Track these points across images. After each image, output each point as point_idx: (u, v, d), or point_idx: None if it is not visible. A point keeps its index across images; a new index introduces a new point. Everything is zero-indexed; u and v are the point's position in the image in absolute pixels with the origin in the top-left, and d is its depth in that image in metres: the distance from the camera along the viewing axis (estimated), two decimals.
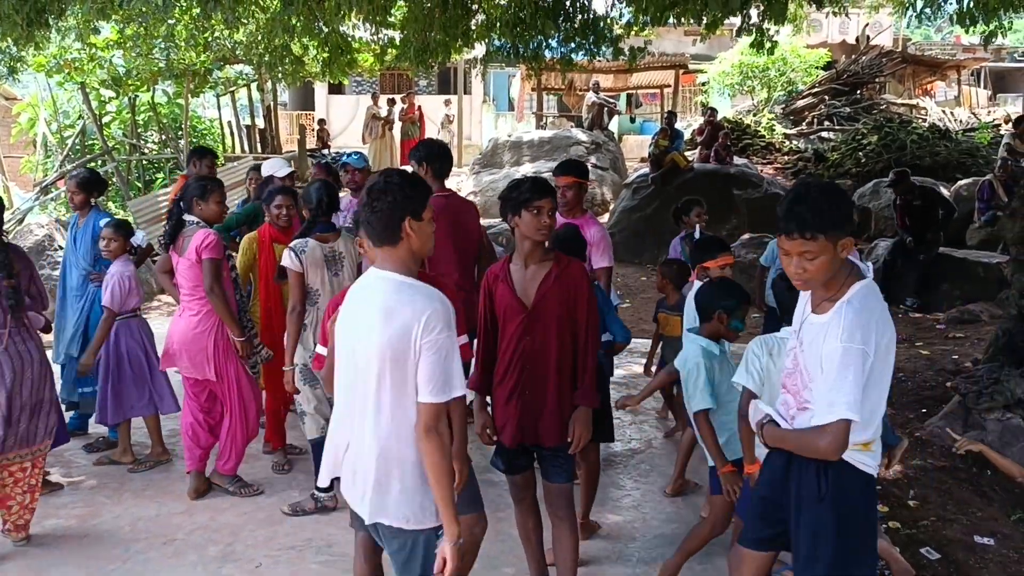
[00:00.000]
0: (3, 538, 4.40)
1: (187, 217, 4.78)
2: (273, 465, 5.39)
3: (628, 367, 7.56)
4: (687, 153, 15.06)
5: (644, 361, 7.72)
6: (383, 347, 2.52)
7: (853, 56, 21.17)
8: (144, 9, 5.83)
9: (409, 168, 5.31)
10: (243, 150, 19.35)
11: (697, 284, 4.68)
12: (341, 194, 5.45)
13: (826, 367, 2.59)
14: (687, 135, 16.46)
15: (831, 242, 2.57)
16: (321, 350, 3.23)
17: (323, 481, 2.88)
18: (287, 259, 4.60)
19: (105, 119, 17.78)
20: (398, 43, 11.16)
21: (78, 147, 17.43)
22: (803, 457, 2.73)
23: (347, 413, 2.71)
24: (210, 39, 14.50)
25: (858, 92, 19.70)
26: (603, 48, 9.33)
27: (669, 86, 22.31)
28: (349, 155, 6.21)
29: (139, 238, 5.32)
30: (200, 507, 4.85)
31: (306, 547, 4.37)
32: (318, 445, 4.70)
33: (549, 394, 3.46)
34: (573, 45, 9.49)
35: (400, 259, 2.63)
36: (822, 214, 2.57)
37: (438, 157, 5.09)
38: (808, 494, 2.74)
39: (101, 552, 4.34)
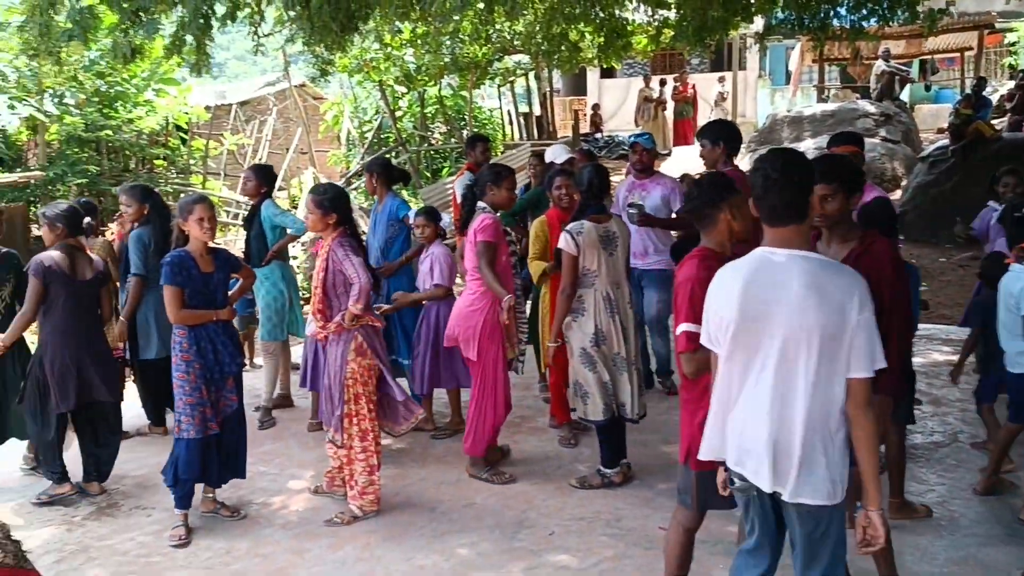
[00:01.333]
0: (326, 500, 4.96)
1: (480, 204, 5.05)
2: (560, 439, 5.60)
3: (927, 354, 7.03)
4: (994, 122, 13.64)
5: (945, 348, 7.17)
6: (815, 325, 2.53)
7: None
8: (448, 6, 6.19)
9: (699, 146, 5.37)
10: (521, 137, 20.11)
11: (1016, 268, 4.27)
12: (616, 178, 5.59)
13: None
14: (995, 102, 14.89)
15: None
16: (690, 327, 3.12)
17: (704, 455, 2.90)
18: (563, 241, 4.73)
19: (397, 113, 19.21)
20: (674, 22, 11.07)
21: (375, 141, 18.99)
22: None
23: (759, 393, 2.67)
24: (491, 32, 15.19)
25: None
26: (898, 12, 8.69)
27: (971, 49, 20.27)
28: (639, 135, 6.26)
29: (446, 222, 5.67)
30: None
31: (595, 519, 4.51)
32: (602, 427, 4.83)
33: None
34: (864, 11, 8.91)
35: (804, 236, 2.66)
36: None
37: (732, 137, 5.23)
38: None
39: (411, 510, 4.76)
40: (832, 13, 9.05)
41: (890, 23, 9.42)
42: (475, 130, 18.89)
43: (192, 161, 17.36)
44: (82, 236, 5.24)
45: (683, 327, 3.15)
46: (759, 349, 2.64)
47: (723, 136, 5.29)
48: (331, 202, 4.52)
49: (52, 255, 4.87)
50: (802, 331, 2.54)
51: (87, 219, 5.42)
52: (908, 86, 19.38)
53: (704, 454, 2.89)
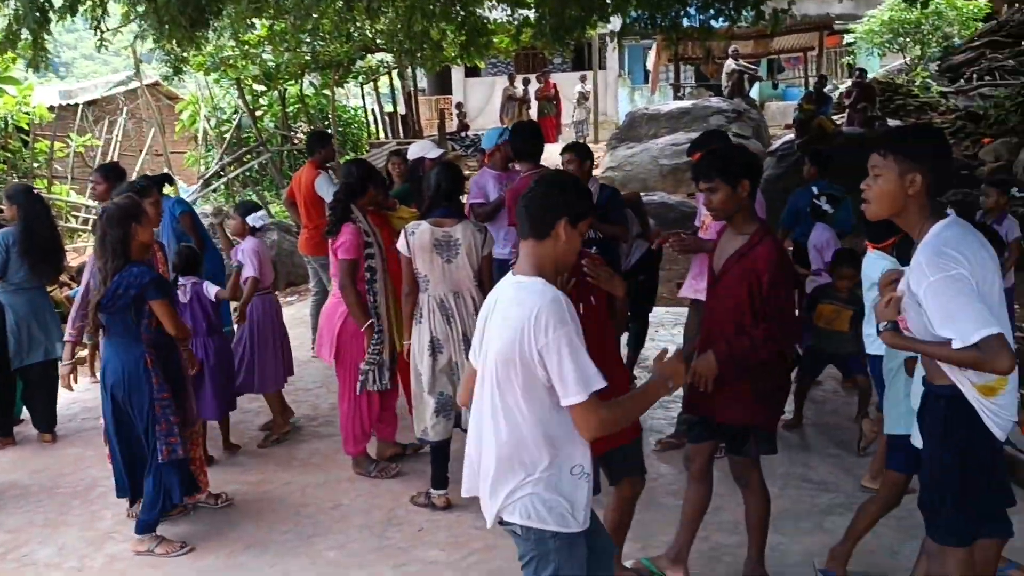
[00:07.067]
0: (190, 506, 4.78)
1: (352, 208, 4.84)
2: None
3: None
4: (835, 117, 14.47)
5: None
6: (500, 351, 2.47)
7: (1017, 5, 19.68)
8: (304, 3, 6.10)
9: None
10: (386, 136, 19.95)
11: (872, 254, 4.44)
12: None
13: (931, 312, 2.55)
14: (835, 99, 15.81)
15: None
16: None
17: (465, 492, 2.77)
18: (400, 241, 4.51)
19: (258, 112, 18.69)
20: (533, 21, 11.23)
21: (234, 140, 18.42)
22: None
23: (478, 420, 2.64)
24: (352, 30, 14.97)
25: (1023, 43, 18.33)
26: (744, 13, 9.09)
27: (813, 49, 21.47)
28: (503, 132, 6.25)
29: (254, 218, 5.57)
30: (363, 476, 5.08)
31: (464, 511, 4.52)
32: (431, 445, 4.67)
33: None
34: (712, 12, 9.29)
35: (535, 254, 2.56)
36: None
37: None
38: None
39: (275, 515, 4.65)
40: (682, 13, 9.38)
41: (737, 23, 9.85)
42: (339, 130, 18.63)
43: (36, 164, 16.37)
44: None
45: None
46: (480, 376, 2.62)
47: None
48: None
49: None
50: (493, 357, 2.50)
51: None
52: (757, 84, 20.33)
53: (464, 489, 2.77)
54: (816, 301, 5.39)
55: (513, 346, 2.42)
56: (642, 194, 9.84)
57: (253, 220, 5.53)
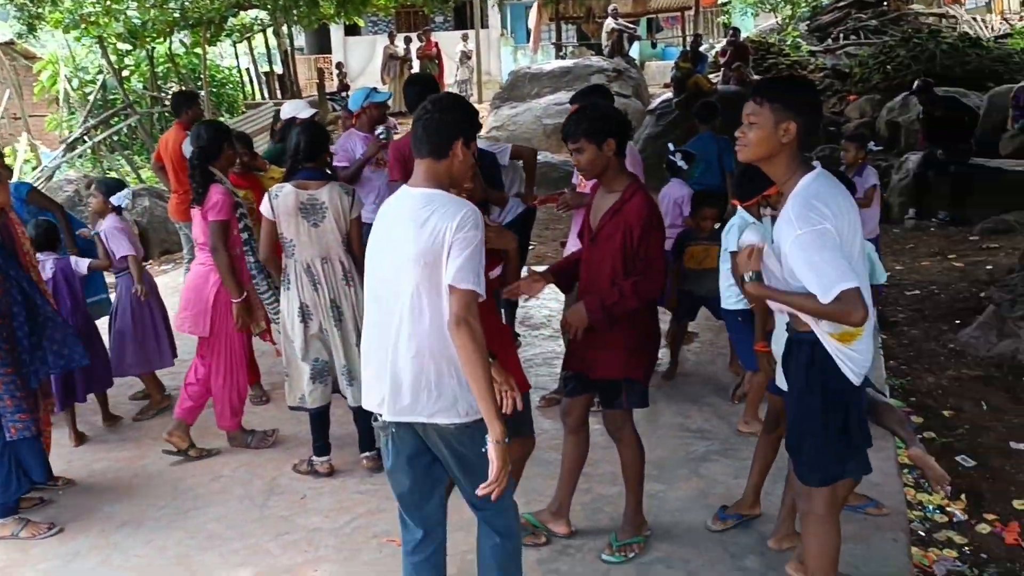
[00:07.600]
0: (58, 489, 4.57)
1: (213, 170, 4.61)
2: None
3: None
4: (711, 76, 14.80)
5: None
6: (418, 255, 2.59)
7: None
8: None
9: None
10: (263, 97, 19.31)
11: (742, 211, 4.55)
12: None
13: (795, 264, 2.63)
14: (710, 57, 16.16)
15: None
16: None
17: (367, 403, 2.85)
18: (263, 205, 4.31)
19: (124, 72, 17.76)
20: None
21: (100, 102, 17.48)
22: None
23: (382, 326, 2.72)
24: None
25: (885, 4, 19.14)
26: None
27: (690, 8, 21.81)
28: (378, 94, 6.08)
29: (118, 198, 5.26)
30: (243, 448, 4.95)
31: (348, 477, 4.49)
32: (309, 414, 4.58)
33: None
34: None
35: (436, 173, 2.70)
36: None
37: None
38: None
39: (152, 490, 4.50)
40: None
41: None
42: (212, 90, 17.92)
43: None
44: None
45: None
46: (379, 283, 2.74)
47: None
48: None
49: None
50: (405, 262, 2.62)
51: None
52: (637, 43, 20.55)
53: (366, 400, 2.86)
54: (683, 245, 5.53)
55: (436, 247, 2.57)
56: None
57: (117, 200, 5.18)
